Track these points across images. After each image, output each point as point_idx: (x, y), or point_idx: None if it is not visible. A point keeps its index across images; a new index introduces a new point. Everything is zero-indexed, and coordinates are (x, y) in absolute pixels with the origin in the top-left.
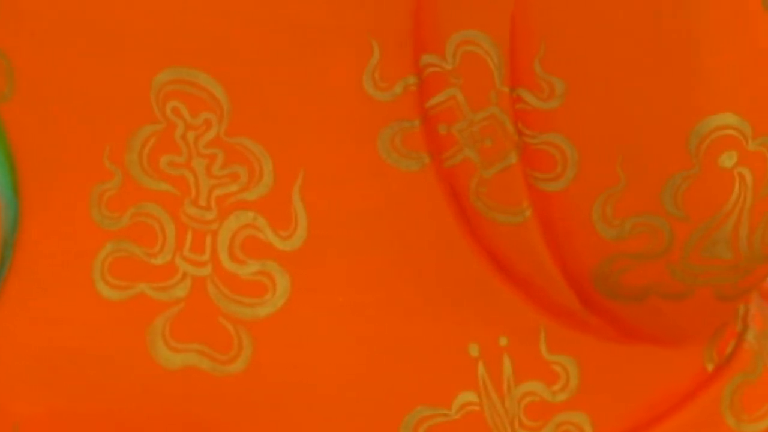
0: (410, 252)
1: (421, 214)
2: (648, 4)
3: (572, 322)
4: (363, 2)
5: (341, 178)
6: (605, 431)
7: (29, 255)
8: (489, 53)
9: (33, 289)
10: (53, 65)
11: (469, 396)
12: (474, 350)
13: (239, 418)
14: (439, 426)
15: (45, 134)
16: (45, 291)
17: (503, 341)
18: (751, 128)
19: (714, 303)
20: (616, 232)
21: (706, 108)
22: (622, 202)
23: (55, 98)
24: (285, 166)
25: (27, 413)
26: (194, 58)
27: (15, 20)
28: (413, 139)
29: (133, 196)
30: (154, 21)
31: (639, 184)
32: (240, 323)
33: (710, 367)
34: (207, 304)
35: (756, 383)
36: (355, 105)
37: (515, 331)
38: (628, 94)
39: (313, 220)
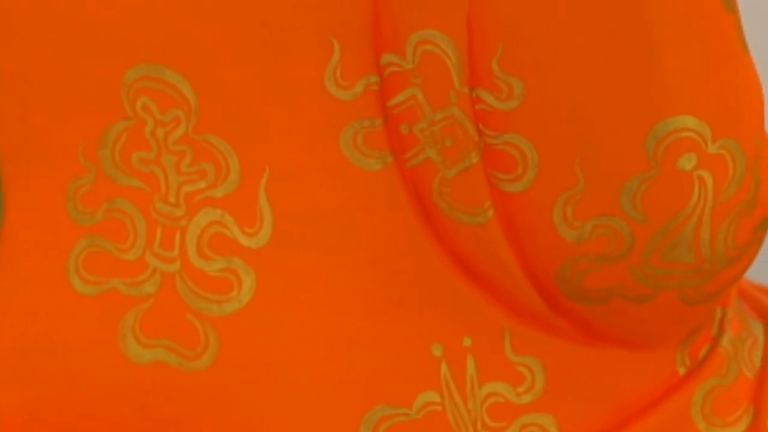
0: (373, 251)
1: (385, 213)
2: (605, 5)
3: (538, 323)
4: (323, 1)
5: (305, 176)
6: None
7: (10, 250)
8: (447, 53)
9: (12, 283)
10: (31, 63)
11: (431, 396)
12: (437, 350)
13: (205, 413)
14: (399, 425)
15: (24, 130)
16: (23, 285)
17: (467, 341)
18: (711, 131)
19: (679, 306)
20: (577, 233)
21: (663, 110)
22: (582, 204)
23: (32, 95)
24: (251, 163)
25: (2, 406)
26: (162, 55)
27: None
28: (375, 138)
29: (106, 192)
30: (125, 18)
31: (598, 186)
32: (207, 320)
33: (682, 371)
34: (175, 300)
35: (730, 388)
36: (317, 103)
37: (479, 331)
38: (585, 95)
39: (279, 218)
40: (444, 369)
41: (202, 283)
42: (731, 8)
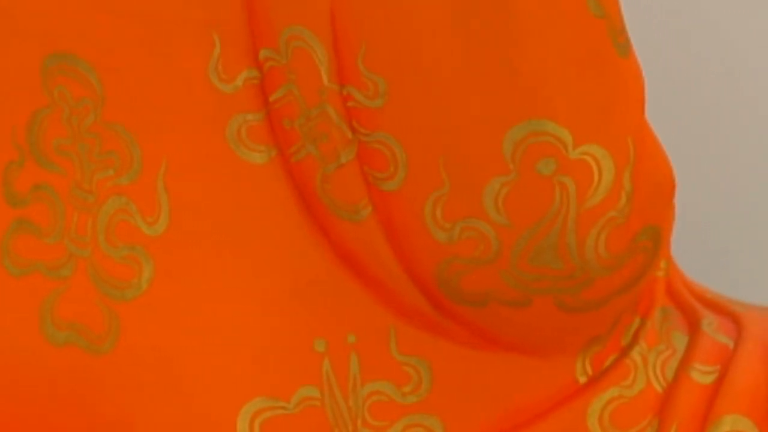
0: (260, 244)
1: (271, 207)
2: (462, 7)
3: (425, 324)
4: None
5: (197, 168)
6: None
7: None
8: (314, 50)
9: None
10: None
11: (310, 391)
12: (320, 346)
13: (104, 396)
14: (276, 418)
15: None
16: None
17: (351, 339)
18: (572, 136)
19: (557, 313)
20: (447, 235)
21: (519, 113)
22: (449, 205)
23: None
24: (150, 153)
25: None
26: (74, 45)
27: None
28: (259, 132)
29: (33, 177)
30: (41, 6)
31: (462, 188)
32: (111, 305)
33: (583, 380)
34: (87, 285)
35: (633, 399)
36: (203, 96)
37: (365, 329)
38: (443, 95)
39: (174, 208)
40: (326, 365)
41: (109, 269)
42: (600, 13)
